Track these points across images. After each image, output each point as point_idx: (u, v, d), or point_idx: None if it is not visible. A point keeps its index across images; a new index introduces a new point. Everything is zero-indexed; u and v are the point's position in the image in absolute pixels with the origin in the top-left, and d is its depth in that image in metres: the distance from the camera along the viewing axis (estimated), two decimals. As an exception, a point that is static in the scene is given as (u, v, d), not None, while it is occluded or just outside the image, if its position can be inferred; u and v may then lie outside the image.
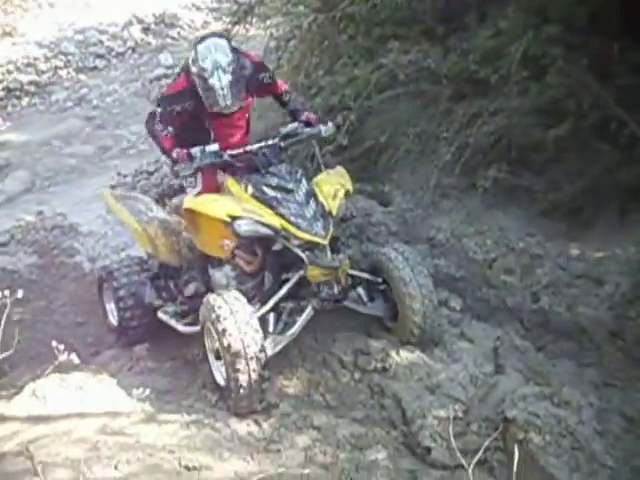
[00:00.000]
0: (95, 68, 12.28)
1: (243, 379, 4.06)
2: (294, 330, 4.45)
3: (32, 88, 11.66)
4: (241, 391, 4.10)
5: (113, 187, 8.43)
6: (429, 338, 4.77)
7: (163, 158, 5.74)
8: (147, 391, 4.54)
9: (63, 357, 2.84)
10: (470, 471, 2.67)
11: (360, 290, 4.81)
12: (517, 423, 3.89)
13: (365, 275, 4.87)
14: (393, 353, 4.62)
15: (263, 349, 4.14)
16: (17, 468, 3.42)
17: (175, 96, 4.86)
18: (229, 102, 4.70)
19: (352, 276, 4.63)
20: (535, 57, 5.41)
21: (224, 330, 4.08)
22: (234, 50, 4.79)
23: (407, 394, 4.32)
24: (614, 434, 3.96)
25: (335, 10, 6.79)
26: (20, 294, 2.97)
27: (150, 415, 4.30)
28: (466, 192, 5.91)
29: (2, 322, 2.80)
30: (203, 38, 4.80)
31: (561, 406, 4.00)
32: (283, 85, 5.26)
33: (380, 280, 4.84)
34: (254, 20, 8.33)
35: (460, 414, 4.17)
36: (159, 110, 4.93)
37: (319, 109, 6.64)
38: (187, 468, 3.73)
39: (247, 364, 4.05)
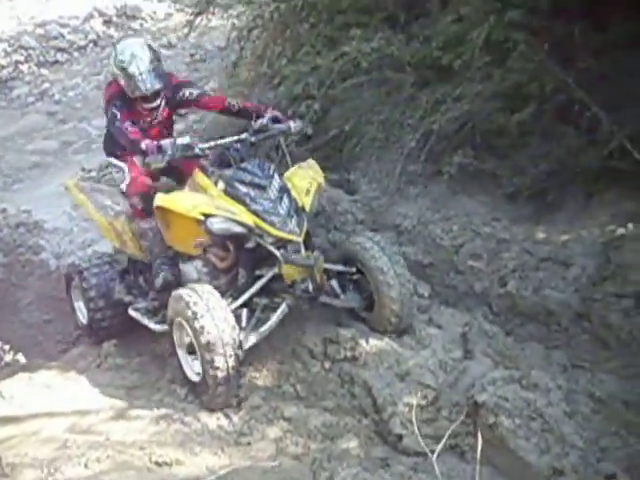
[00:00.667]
0: (57, 62, 12.14)
1: (221, 375, 4.05)
2: (267, 327, 4.40)
3: (-8, 83, 11.50)
4: (218, 388, 4.09)
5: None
6: (405, 326, 4.76)
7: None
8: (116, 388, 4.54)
9: (9, 357, 2.79)
10: (434, 458, 2.66)
11: (333, 282, 4.75)
12: (487, 407, 3.89)
13: (338, 267, 4.83)
14: (362, 341, 4.61)
15: (240, 346, 4.13)
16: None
17: (113, 97, 5.03)
18: (149, 85, 4.90)
19: (325, 269, 4.56)
20: (497, 42, 5.41)
21: (202, 327, 4.03)
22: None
23: (377, 382, 4.31)
24: (583, 415, 3.98)
25: (296, -1, 6.76)
26: None
27: (119, 412, 4.28)
28: (432, 178, 5.92)
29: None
30: (120, 39, 5.03)
31: (530, 389, 4.02)
32: (222, 99, 5.38)
33: (353, 270, 4.80)
34: (216, 10, 8.25)
35: (430, 400, 4.18)
36: (115, 111, 4.96)
37: (283, 98, 6.64)
38: (158, 464, 3.72)
39: (225, 361, 4.03)
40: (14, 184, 9.27)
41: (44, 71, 11.85)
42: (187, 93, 5.24)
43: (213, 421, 4.13)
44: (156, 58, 5.03)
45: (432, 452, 3.83)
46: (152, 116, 5.16)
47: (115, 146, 5.20)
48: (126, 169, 5.13)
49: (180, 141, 4.58)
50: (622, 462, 3.59)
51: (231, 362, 4.06)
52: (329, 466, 3.73)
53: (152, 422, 4.13)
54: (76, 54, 12.33)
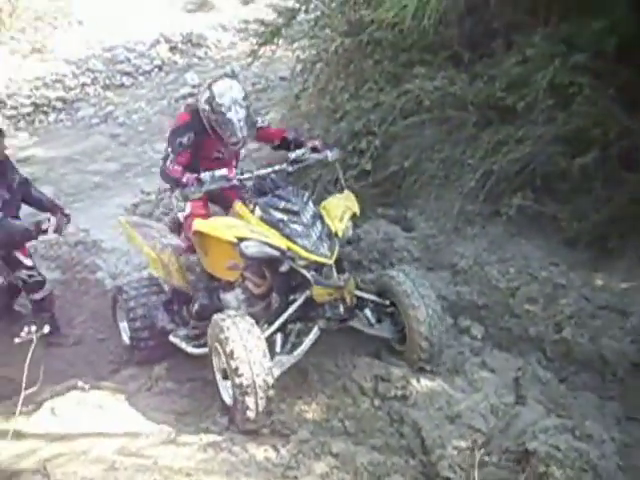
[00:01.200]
0: (122, 85, 12.36)
1: (250, 401, 4.13)
2: (301, 350, 4.49)
3: (59, 104, 11.74)
4: (248, 413, 4.16)
5: (136, 205, 8.47)
6: (437, 362, 4.78)
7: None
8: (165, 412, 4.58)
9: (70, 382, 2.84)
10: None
11: (367, 312, 4.82)
12: (538, 456, 3.83)
13: (372, 297, 4.90)
14: (413, 381, 4.58)
15: (270, 372, 4.20)
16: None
17: (180, 129, 5.12)
18: (245, 133, 5.00)
19: (359, 297, 4.71)
20: (561, 85, 5.41)
21: (232, 352, 4.13)
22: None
23: (427, 423, 4.27)
24: (637, 469, 3.92)
25: (362, 34, 6.78)
26: (47, 329, 2.97)
27: (168, 437, 4.30)
28: (490, 219, 5.89)
29: (28, 359, 2.79)
30: (216, 80, 5.17)
31: (583, 439, 3.96)
32: (283, 131, 5.57)
33: (387, 302, 4.87)
34: (280, 42, 8.36)
35: (480, 445, 4.11)
36: (169, 148, 5.12)
37: (344, 133, 6.68)
38: (203, 492, 3.73)
39: (254, 388, 4.11)
40: (74, 203, 9.42)
41: (109, 94, 12.09)
42: (260, 121, 5.42)
43: (261, 452, 4.11)
44: (250, 108, 5.12)
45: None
46: (224, 159, 5.28)
47: None
48: (188, 208, 5.19)
49: (217, 173, 4.77)
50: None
51: (261, 389, 4.12)
52: (375, 505, 3.70)
53: (200, 449, 4.13)
54: (141, 78, 12.56)
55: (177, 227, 5.56)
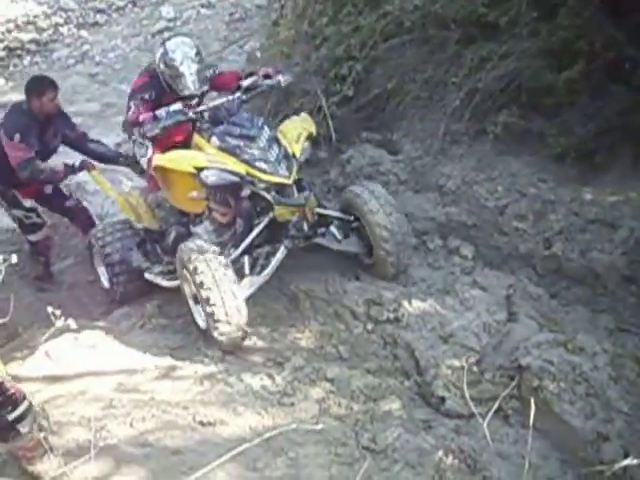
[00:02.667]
0: (96, 24, 12.08)
1: (223, 327, 4.34)
2: (269, 270, 4.68)
3: (33, 47, 11.49)
4: (223, 338, 4.38)
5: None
6: (404, 273, 5.05)
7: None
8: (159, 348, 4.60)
9: (60, 323, 2.82)
10: (485, 424, 2.62)
11: (333, 229, 4.98)
12: (531, 371, 3.86)
13: (337, 213, 5.09)
14: (405, 303, 4.60)
15: (239, 296, 4.39)
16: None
17: (140, 88, 5.26)
18: (197, 86, 5.16)
19: (325, 215, 4.94)
20: (545, -3, 5.29)
21: (201, 283, 4.33)
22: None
23: (420, 344, 4.30)
24: (629, 380, 3.92)
25: (338, -44, 6.63)
26: (14, 259, 2.93)
27: (164, 372, 4.32)
28: (476, 138, 5.81)
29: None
30: (170, 37, 5.44)
31: (575, 353, 3.96)
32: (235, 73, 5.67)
33: (352, 218, 5.03)
34: (256, -31, 8.17)
35: (474, 363, 4.14)
36: (131, 104, 5.21)
37: (324, 60, 6.57)
38: (202, 423, 3.76)
39: (226, 315, 4.32)
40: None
41: (83, 33, 11.81)
42: (210, 72, 5.55)
43: (256, 382, 4.15)
44: (202, 62, 5.28)
45: (474, 415, 3.84)
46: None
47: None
48: (150, 146, 5.35)
49: (172, 108, 4.91)
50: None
51: (232, 314, 4.32)
52: (371, 427, 3.74)
53: (196, 382, 4.16)
54: (115, 15, 12.27)
55: (142, 169, 5.68)
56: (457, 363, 4.09)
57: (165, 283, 5.26)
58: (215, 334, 4.39)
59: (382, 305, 4.63)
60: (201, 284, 4.33)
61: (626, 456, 3.38)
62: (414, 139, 6.14)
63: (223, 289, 4.31)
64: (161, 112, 4.89)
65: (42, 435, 3.32)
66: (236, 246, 4.76)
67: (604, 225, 4.99)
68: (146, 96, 5.16)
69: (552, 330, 4.31)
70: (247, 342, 4.60)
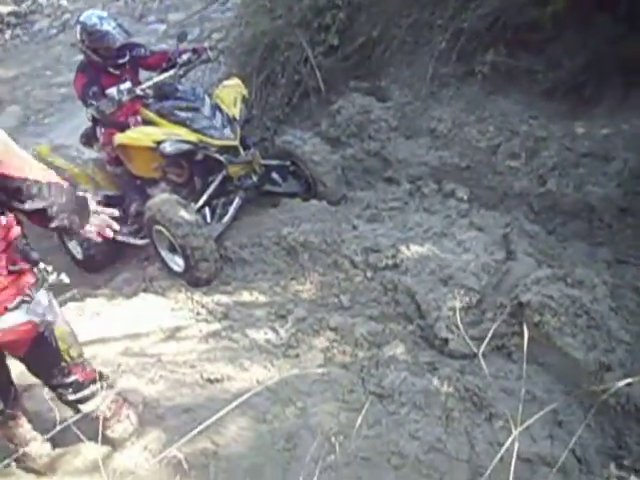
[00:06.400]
0: (75, -8, 11.93)
1: (203, 266, 4.87)
2: (228, 217, 5.36)
3: (13, 19, 11.37)
4: (204, 275, 4.91)
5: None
6: (339, 198, 5.61)
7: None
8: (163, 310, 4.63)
9: (52, 277, 2.84)
10: (480, 354, 2.66)
11: (274, 175, 5.72)
12: (532, 307, 3.87)
13: (276, 162, 5.71)
14: (403, 248, 4.61)
15: (210, 237, 4.96)
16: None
17: (84, 88, 5.56)
18: (122, 37, 5.55)
19: (266, 165, 5.56)
20: None
21: (176, 230, 4.81)
22: None
23: (420, 287, 4.31)
24: (629, 310, 3.96)
25: None
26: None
27: (169, 333, 4.36)
28: (464, 80, 5.77)
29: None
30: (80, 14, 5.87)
31: (575, 286, 3.97)
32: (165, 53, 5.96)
33: (289, 163, 5.67)
34: None
35: (474, 303, 4.16)
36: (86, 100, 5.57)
37: (307, 11, 6.50)
38: (209, 380, 3.81)
39: (203, 254, 4.82)
40: (45, 118, 9.27)
41: (63, 2, 11.66)
42: (142, 51, 5.93)
43: (261, 336, 4.19)
44: (117, 19, 5.76)
45: (477, 352, 3.88)
46: (122, 79, 5.69)
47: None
48: (102, 127, 5.82)
49: (122, 87, 5.38)
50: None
51: (209, 253, 4.85)
52: (377, 372, 3.77)
53: (201, 341, 4.21)
54: (93, -19, 12.10)
55: (90, 141, 6.09)
56: (458, 304, 4.11)
57: (137, 242, 5.69)
58: (196, 273, 4.90)
59: (380, 252, 4.64)
60: (177, 232, 4.82)
61: (629, 384, 3.43)
62: (402, 85, 6.10)
63: (198, 232, 4.82)
64: (112, 91, 5.35)
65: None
66: (196, 200, 5.27)
67: (597, 158, 4.97)
68: (91, 93, 5.50)
69: (551, 266, 4.30)
70: (249, 297, 4.65)
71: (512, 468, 1.98)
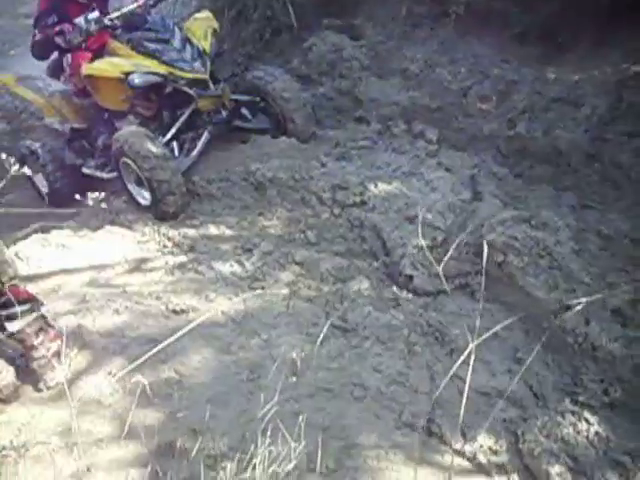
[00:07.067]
0: None
1: (170, 199, 4.84)
2: (196, 152, 5.30)
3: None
4: (170, 208, 4.87)
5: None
6: (309, 135, 5.57)
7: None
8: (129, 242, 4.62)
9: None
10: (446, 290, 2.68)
11: (244, 110, 5.63)
12: (496, 246, 3.91)
13: (246, 97, 5.61)
14: (371, 186, 4.63)
15: (178, 170, 4.94)
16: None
17: (42, 14, 5.46)
18: None
19: (236, 100, 5.50)
20: None
21: (143, 163, 4.79)
22: None
23: (386, 225, 4.34)
24: (591, 253, 4.01)
25: None
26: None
27: (135, 265, 4.35)
28: (438, 20, 5.74)
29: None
30: None
31: (539, 228, 4.02)
32: None
33: (259, 99, 5.58)
34: None
35: (440, 241, 4.20)
36: (35, 30, 5.50)
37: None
38: (175, 311, 3.82)
39: (170, 188, 4.80)
40: (10, 50, 9.06)
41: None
42: None
43: (227, 268, 4.20)
44: None
45: (442, 291, 3.94)
46: (90, 8, 5.50)
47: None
48: (69, 57, 5.64)
49: (90, 16, 5.19)
50: (628, 296, 3.62)
51: (176, 187, 4.83)
52: (341, 307, 3.82)
53: (167, 272, 4.21)
54: None
55: (57, 72, 5.88)
56: (423, 242, 4.14)
57: (104, 175, 5.61)
58: (163, 207, 4.87)
59: (348, 189, 4.65)
60: (145, 165, 4.79)
61: (587, 324, 3.51)
62: (376, 23, 6.04)
63: (165, 166, 4.81)
64: (80, 20, 5.16)
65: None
66: (164, 134, 5.23)
67: (567, 104, 4.98)
68: (49, 21, 5.38)
69: (516, 208, 4.35)
70: (216, 231, 4.66)
71: (465, 395, 2.02)
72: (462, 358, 1.95)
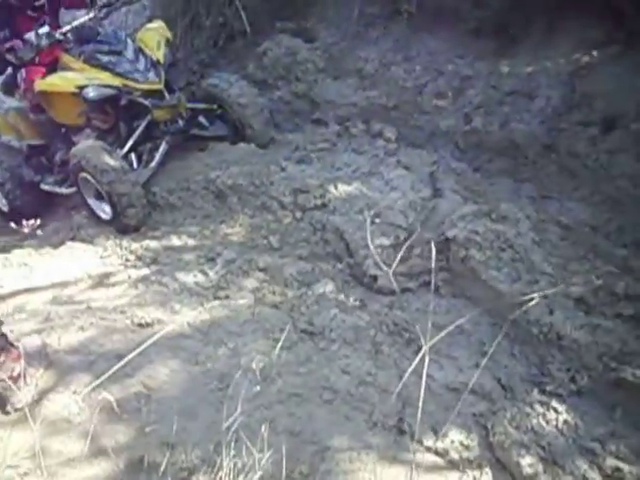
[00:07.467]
0: None
1: (131, 212, 4.81)
2: (154, 163, 5.27)
3: None
4: (132, 221, 4.85)
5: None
6: (267, 141, 5.59)
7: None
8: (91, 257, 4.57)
9: None
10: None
11: (201, 118, 5.61)
12: (458, 242, 3.95)
13: (203, 105, 5.61)
14: (331, 188, 4.63)
15: (137, 183, 4.92)
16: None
17: None
18: None
19: (192, 109, 5.49)
20: None
21: (101, 177, 4.76)
22: None
23: (348, 226, 4.34)
24: (552, 243, 4.05)
25: None
26: None
27: (97, 280, 4.31)
28: (391, 19, 5.75)
29: None
30: None
31: (499, 221, 4.05)
32: None
33: (215, 107, 5.58)
34: None
35: (402, 240, 4.21)
36: None
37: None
38: (140, 325, 3.80)
39: (130, 201, 4.77)
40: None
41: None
42: None
43: (190, 279, 4.17)
44: None
45: (407, 289, 3.95)
46: (40, 22, 5.39)
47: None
48: (23, 73, 5.57)
49: (41, 31, 5.13)
50: (590, 284, 3.66)
51: (136, 199, 4.81)
52: (307, 311, 3.82)
53: (131, 286, 4.17)
54: None
55: (11, 89, 5.86)
56: (386, 242, 4.15)
57: (64, 190, 5.54)
58: (124, 220, 4.84)
59: (309, 192, 4.65)
60: (103, 179, 4.75)
61: (551, 314, 3.54)
62: (329, 25, 6.06)
63: (124, 179, 4.78)
64: (30, 36, 5.11)
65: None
66: (121, 146, 5.18)
67: (522, 96, 5.03)
68: (0, 36, 5.34)
69: (476, 202, 4.36)
70: (178, 242, 4.63)
71: (422, 390, 2.02)
72: (419, 356, 1.95)
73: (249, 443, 2.19)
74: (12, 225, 4.24)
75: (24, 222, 3.84)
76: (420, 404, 1.98)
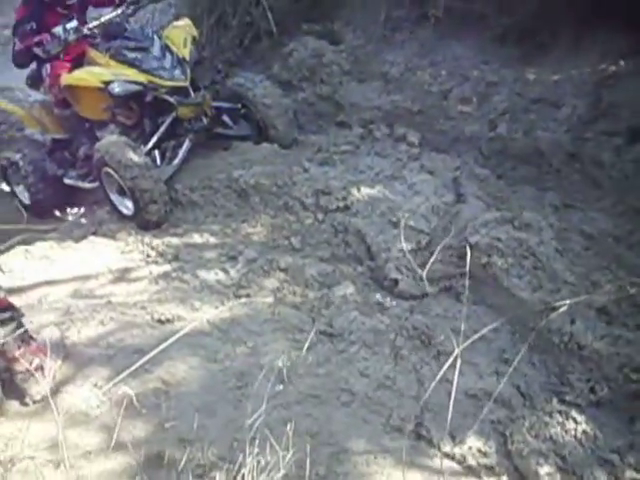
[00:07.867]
0: None
1: (153, 208, 4.82)
2: (178, 160, 5.28)
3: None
4: (153, 217, 4.86)
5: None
6: (290, 142, 5.61)
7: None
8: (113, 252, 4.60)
9: None
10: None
11: (225, 117, 5.63)
12: (480, 248, 3.93)
13: (227, 105, 5.63)
14: (354, 190, 4.62)
15: (160, 179, 4.91)
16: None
17: (22, 21, 5.47)
18: None
19: (217, 107, 5.48)
20: None
21: (125, 173, 4.76)
22: None
23: (370, 229, 4.34)
24: (574, 252, 4.02)
25: None
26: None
27: (119, 275, 4.33)
28: (418, 23, 5.76)
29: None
30: None
31: (522, 229, 4.03)
32: None
33: (240, 106, 5.61)
34: None
35: (424, 245, 4.20)
36: (15, 39, 5.52)
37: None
38: (160, 321, 3.81)
39: (152, 197, 4.78)
40: (-11, 61, 8.98)
41: None
42: None
43: (211, 277, 4.18)
44: None
45: (428, 295, 3.94)
46: (68, 17, 5.43)
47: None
48: (48, 68, 5.61)
49: (69, 25, 5.18)
50: (612, 295, 3.64)
51: (159, 196, 4.81)
52: (327, 312, 3.82)
53: (151, 282, 4.19)
54: None
55: (36, 83, 5.88)
56: (408, 246, 4.15)
57: (87, 185, 5.61)
58: (146, 216, 4.85)
59: (331, 194, 4.65)
60: (127, 175, 4.76)
61: (572, 323, 3.52)
62: (355, 28, 6.06)
63: (147, 175, 4.78)
64: (58, 30, 5.14)
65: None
66: (145, 143, 5.20)
67: (547, 104, 5.01)
68: (27, 28, 5.40)
69: (499, 209, 4.35)
70: (200, 239, 4.64)
71: (452, 394, 2.02)
72: (449, 362, 1.94)
73: (274, 441, 2.20)
74: (57, 213, 4.21)
75: (68, 210, 3.84)
76: (450, 408, 1.97)
